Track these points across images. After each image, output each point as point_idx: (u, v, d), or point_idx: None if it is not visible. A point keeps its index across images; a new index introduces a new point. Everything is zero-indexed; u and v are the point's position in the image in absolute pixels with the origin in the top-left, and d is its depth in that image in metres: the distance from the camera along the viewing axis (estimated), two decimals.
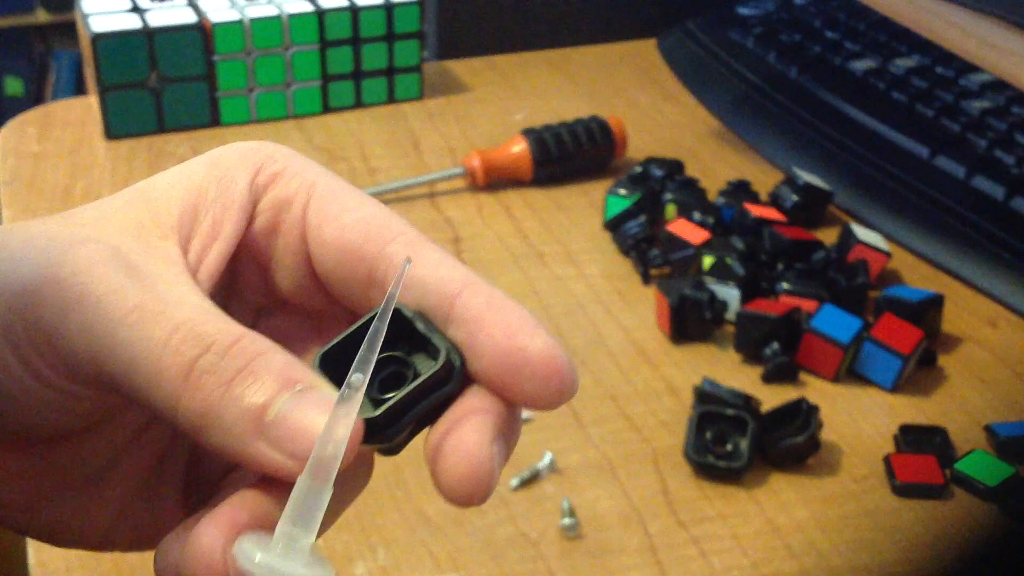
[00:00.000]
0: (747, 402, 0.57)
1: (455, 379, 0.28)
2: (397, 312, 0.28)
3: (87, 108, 0.91)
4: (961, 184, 0.75)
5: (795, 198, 0.75)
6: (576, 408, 0.60)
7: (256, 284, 0.32)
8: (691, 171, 0.81)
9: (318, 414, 0.27)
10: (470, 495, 0.27)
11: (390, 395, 0.28)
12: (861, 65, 0.87)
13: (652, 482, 0.56)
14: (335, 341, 0.29)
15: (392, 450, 0.29)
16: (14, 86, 2.48)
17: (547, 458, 0.56)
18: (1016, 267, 0.69)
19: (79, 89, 2.38)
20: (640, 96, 0.96)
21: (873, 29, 0.92)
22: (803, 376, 0.62)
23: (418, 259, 0.29)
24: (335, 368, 0.28)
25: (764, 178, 0.80)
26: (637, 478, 0.56)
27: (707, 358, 0.64)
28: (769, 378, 0.62)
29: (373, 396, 0.28)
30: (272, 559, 0.25)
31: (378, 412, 0.28)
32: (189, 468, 0.33)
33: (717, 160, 0.85)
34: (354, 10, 0.88)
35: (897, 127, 0.80)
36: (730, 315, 0.65)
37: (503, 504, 0.54)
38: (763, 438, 0.56)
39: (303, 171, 0.31)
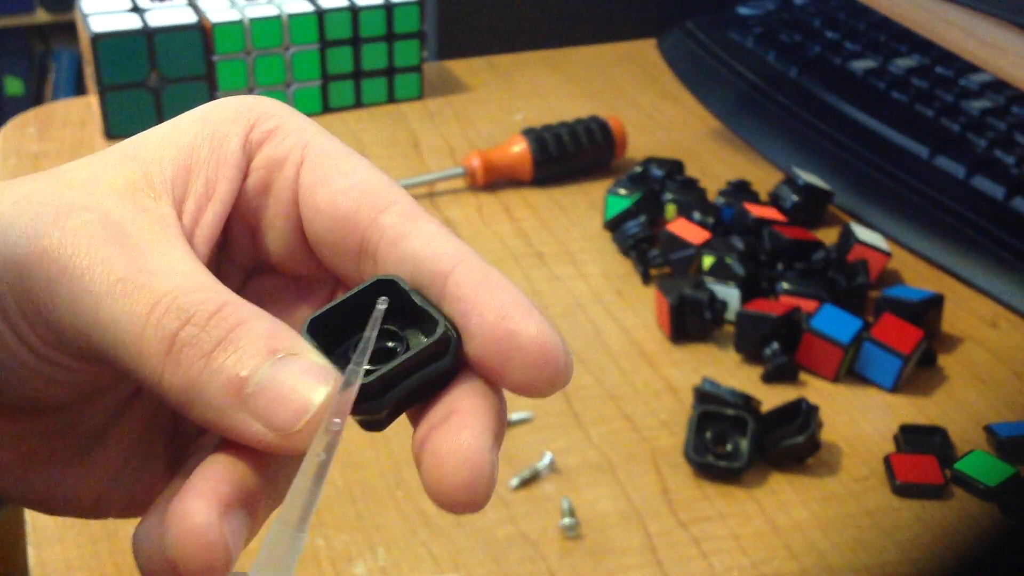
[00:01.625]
0: (747, 402, 0.57)
1: (451, 354, 0.27)
2: (394, 285, 0.28)
3: (87, 108, 0.91)
4: (961, 184, 0.75)
5: (795, 198, 0.75)
6: (576, 408, 0.60)
7: (245, 245, 0.31)
8: (691, 171, 0.81)
9: (298, 381, 0.26)
10: (469, 503, 0.26)
11: (382, 365, 0.27)
12: (861, 65, 0.87)
13: (652, 482, 0.56)
14: (325, 309, 0.28)
15: (376, 424, 0.28)
16: (14, 86, 2.49)
17: (547, 458, 0.56)
18: (1016, 267, 0.69)
19: (79, 89, 2.38)
20: (640, 96, 0.96)
21: (873, 29, 0.92)
22: (803, 376, 0.62)
23: (412, 231, 0.28)
24: (323, 335, 0.28)
25: (764, 178, 0.80)
26: (637, 478, 0.56)
27: (707, 358, 0.64)
28: (769, 378, 0.62)
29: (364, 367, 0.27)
30: None
31: (370, 379, 0.27)
32: (174, 431, 0.33)
33: (717, 160, 0.85)
34: (354, 10, 0.88)
35: (897, 127, 0.80)
36: (730, 315, 0.65)
37: (503, 504, 0.54)
38: (763, 438, 0.56)
39: (298, 129, 0.30)
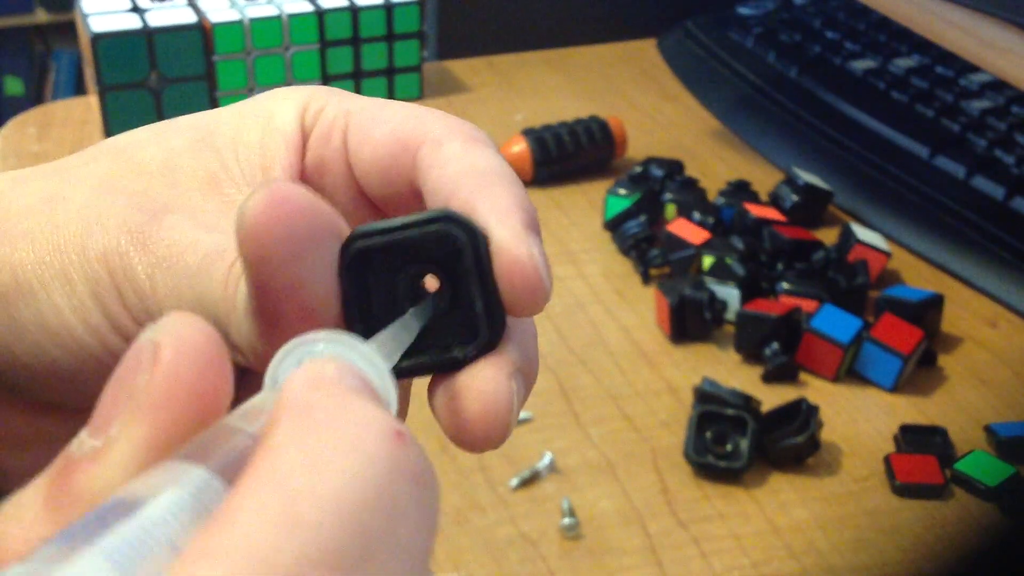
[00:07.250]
0: (747, 402, 0.57)
1: (477, 358, 0.26)
2: (448, 237, 0.26)
3: (87, 108, 0.91)
4: (961, 184, 0.75)
5: (795, 198, 0.75)
6: (576, 408, 0.60)
7: None
8: (691, 171, 0.81)
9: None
10: (485, 437, 0.25)
11: (408, 360, 0.26)
12: (861, 65, 0.87)
13: (652, 482, 0.56)
14: (374, 227, 0.26)
15: None
16: (14, 86, 2.48)
17: (547, 458, 0.56)
18: (1016, 267, 0.69)
19: (79, 89, 2.38)
20: (640, 96, 0.96)
21: (873, 29, 0.92)
22: (803, 376, 0.62)
23: (436, 158, 0.28)
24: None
25: (764, 178, 0.80)
26: (637, 478, 0.56)
27: (707, 358, 0.64)
28: (769, 378, 0.62)
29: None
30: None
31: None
32: None
33: (717, 160, 0.85)
34: (354, 10, 0.88)
35: (897, 127, 0.80)
36: (730, 315, 0.65)
37: (503, 504, 0.54)
38: (763, 438, 0.56)
39: (339, 101, 0.31)
